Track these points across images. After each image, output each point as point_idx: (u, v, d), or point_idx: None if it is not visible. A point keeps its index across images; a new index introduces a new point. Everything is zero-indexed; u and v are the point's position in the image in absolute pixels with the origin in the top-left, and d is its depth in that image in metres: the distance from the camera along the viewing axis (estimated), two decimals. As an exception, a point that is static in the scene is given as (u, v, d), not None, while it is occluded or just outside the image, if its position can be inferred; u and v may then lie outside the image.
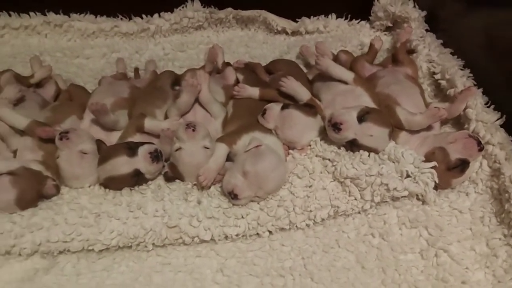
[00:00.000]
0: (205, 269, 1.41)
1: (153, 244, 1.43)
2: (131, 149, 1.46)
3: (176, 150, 1.49)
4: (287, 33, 2.40)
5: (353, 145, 1.52)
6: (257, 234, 1.47)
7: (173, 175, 1.54)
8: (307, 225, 1.48)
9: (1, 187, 1.37)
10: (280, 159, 1.48)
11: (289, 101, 1.73)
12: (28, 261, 1.41)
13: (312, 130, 1.62)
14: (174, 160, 1.51)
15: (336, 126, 1.48)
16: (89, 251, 1.42)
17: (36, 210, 1.43)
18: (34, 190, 1.42)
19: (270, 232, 1.47)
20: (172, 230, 1.42)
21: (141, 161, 1.46)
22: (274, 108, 1.61)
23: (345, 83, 1.72)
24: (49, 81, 1.99)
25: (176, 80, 1.98)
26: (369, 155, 1.50)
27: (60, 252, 1.41)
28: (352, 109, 1.52)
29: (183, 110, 1.62)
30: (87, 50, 2.28)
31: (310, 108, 1.61)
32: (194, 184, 1.54)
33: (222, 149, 1.53)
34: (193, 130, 1.46)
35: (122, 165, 1.45)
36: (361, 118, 1.49)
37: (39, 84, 1.99)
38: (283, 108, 1.61)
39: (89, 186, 1.53)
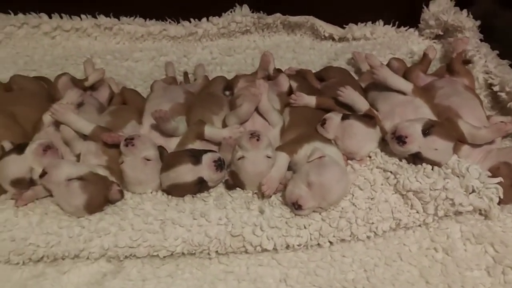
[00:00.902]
0: (268, 278, 1.42)
1: (216, 252, 1.44)
2: (195, 157, 1.47)
3: (239, 158, 1.50)
4: (333, 39, 2.40)
5: (416, 158, 1.51)
6: (318, 244, 1.47)
7: (234, 183, 1.55)
8: (368, 237, 1.48)
9: (72, 192, 1.40)
10: (344, 171, 1.48)
11: (345, 110, 1.73)
12: (95, 265, 1.44)
13: (372, 141, 1.61)
14: (236, 168, 1.52)
15: (401, 139, 1.48)
16: (152, 256, 1.44)
17: (102, 215, 1.46)
18: (102, 195, 1.45)
19: (330, 242, 1.47)
20: (235, 239, 1.43)
21: (205, 169, 1.47)
22: (334, 118, 1.61)
23: (403, 93, 1.70)
24: (102, 84, 2.01)
25: (228, 85, 1.99)
26: (432, 169, 1.49)
27: (126, 257, 1.43)
28: (415, 121, 1.51)
29: (244, 119, 1.63)
30: (136, 53, 2.31)
31: (370, 119, 1.61)
32: (255, 193, 1.54)
33: (283, 159, 1.54)
34: (258, 140, 1.47)
35: (186, 173, 1.46)
36: (426, 132, 1.48)
37: (92, 87, 2.02)
38: (343, 118, 1.61)
39: (151, 192, 1.54)
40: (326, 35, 2.35)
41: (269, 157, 1.50)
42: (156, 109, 1.63)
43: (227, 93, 2.02)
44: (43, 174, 1.40)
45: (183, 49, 2.33)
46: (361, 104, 1.68)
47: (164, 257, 1.44)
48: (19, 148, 1.47)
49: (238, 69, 2.26)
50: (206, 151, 1.51)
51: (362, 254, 1.46)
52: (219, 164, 1.48)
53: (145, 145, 1.51)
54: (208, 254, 1.45)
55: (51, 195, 1.50)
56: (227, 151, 1.56)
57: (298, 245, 1.44)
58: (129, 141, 1.48)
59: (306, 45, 2.38)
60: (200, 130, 1.60)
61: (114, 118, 1.70)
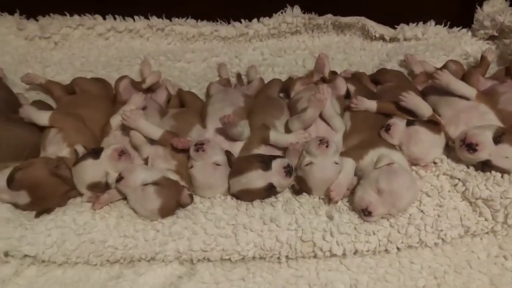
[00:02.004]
0: (339, 283, 1.45)
1: (286, 256, 1.47)
2: (265, 163, 1.50)
3: (307, 164, 1.52)
4: (384, 40, 2.38)
5: (484, 166, 1.51)
6: (386, 250, 1.48)
7: (300, 188, 1.57)
8: (435, 244, 1.49)
9: (148, 197, 1.44)
10: (413, 178, 1.49)
11: (407, 115, 1.73)
12: (168, 267, 1.49)
13: (438, 147, 1.61)
14: (304, 174, 1.54)
15: (471, 147, 1.48)
16: (224, 259, 1.48)
17: (175, 219, 1.50)
18: (175, 199, 1.49)
19: (398, 248, 1.49)
20: (306, 244, 1.46)
21: (275, 175, 1.49)
22: (399, 124, 1.62)
23: (466, 98, 1.69)
24: (160, 87, 2.04)
25: (283, 87, 2.01)
26: (502, 176, 1.49)
27: (198, 260, 1.47)
28: (485, 128, 1.51)
29: (308, 124, 1.64)
30: (188, 54, 2.34)
31: (435, 125, 1.61)
32: (321, 198, 1.56)
33: (350, 165, 1.55)
34: (327, 146, 1.48)
35: (257, 179, 1.49)
36: (497, 139, 1.47)
37: (150, 90, 2.05)
38: (408, 124, 1.61)
39: (220, 197, 1.57)
40: (377, 35, 2.34)
41: (337, 163, 1.51)
42: (219, 113, 1.67)
43: (281, 95, 2.04)
44: (120, 179, 1.44)
45: (234, 50, 2.35)
46: (425, 109, 1.67)
47: (235, 260, 1.47)
48: (95, 153, 1.51)
49: (289, 70, 2.27)
50: (275, 157, 1.54)
51: (430, 261, 1.48)
52: (289, 170, 1.51)
53: (215, 150, 1.54)
54: (278, 258, 1.47)
55: (123, 198, 1.54)
56: (293, 157, 1.58)
57: (367, 251, 1.46)
58: (200, 146, 1.52)
59: (357, 46, 2.37)
60: (265, 135, 1.63)
61: (178, 122, 1.74)
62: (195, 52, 2.34)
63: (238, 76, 2.22)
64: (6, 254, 1.45)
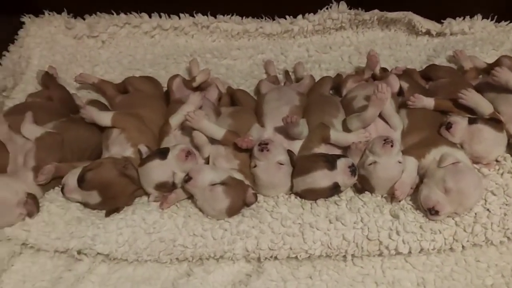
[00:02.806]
0: (406, 282, 1.46)
1: (352, 254, 1.48)
2: (330, 162, 1.51)
3: (370, 164, 1.52)
4: (430, 35, 2.36)
5: (550, 164, 1.50)
6: (450, 248, 1.49)
7: (363, 187, 1.58)
8: (501, 242, 1.49)
9: (216, 197, 1.46)
10: (479, 176, 1.49)
11: (465, 112, 1.72)
12: (235, 265, 1.52)
13: (501, 145, 1.61)
14: (367, 173, 1.55)
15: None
16: (289, 257, 1.50)
17: (241, 218, 1.52)
18: (241, 199, 1.51)
19: (463, 246, 1.49)
20: (372, 243, 1.47)
21: (340, 175, 1.51)
22: (461, 122, 1.61)
23: (526, 95, 1.68)
24: (211, 85, 2.06)
25: (334, 85, 2.01)
26: None
27: (265, 258, 1.49)
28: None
29: (368, 123, 1.65)
30: (233, 51, 2.35)
31: (497, 123, 1.60)
32: (383, 197, 1.57)
33: (413, 164, 1.56)
34: (391, 146, 1.49)
35: (322, 178, 1.50)
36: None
37: (200, 88, 2.07)
38: (470, 122, 1.61)
39: (283, 195, 1.59)
40: (423, 30, 2.32)
41: (400, 162, 1.52)
42: (276, 111, 1.70)
43: (331, 92, 2.04)
44: (188, 179, 1.47)
45: (280, 47, 2.35)
46: (485, 107, 1.67)
47: (302, 258, 1.49)
48: (162, 153, 1.54)
49: (335, 67, 2.26)
50: (339, 156, 1.55)
51: (497, 259, 1.48)
52: (353, 170, 1.52)
53: (278, 149, 1.55)
54: (344, 256, 1.49)
55: (189, 197, 1.57)
56: (356, 156, 1.59)
57: (432, 249, 1.47)
58: (264, 146, 1.53)
59: (402, 41, 2.36)
60: (325, 134, 1.64)
61: (236, 121, 1.75)
62: (241, 49, 2.35)
63: (286, 73, 2.22)
64: (79, 252, 1.49)
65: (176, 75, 1.97)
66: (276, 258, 1.49)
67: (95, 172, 1.50)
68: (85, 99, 2.10)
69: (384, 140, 1.51)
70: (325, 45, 2.36)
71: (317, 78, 2.10)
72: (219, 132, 1.61)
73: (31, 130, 1.62)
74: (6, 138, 1.62)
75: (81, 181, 1.50)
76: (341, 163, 1.52)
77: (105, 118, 1.69)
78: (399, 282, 1.46)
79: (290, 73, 2.24)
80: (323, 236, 1.47)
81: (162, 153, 1.54)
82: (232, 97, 2.04)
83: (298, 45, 2.36)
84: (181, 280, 1.47)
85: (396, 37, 2.39)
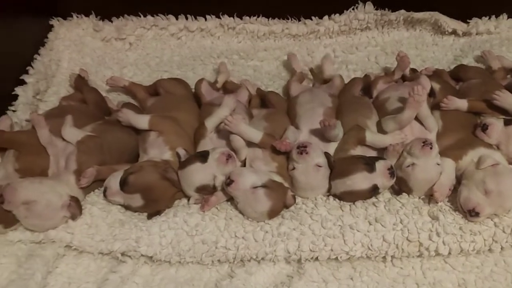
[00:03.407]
0: (447, 283, 1.48)
1: (391, 256, 1.50)
2: (369, 164, 1.53)
3: (408, 166, 1.54)
4: (455, 34, 2.36)
5: None
6: (489, 249, 1.51)
7: (400, 189, 1.60)
8: (540, 243, 1.51)
9: (258, 199, 1.48)
10: (519, 178, 1.50)
11: (498, 113, 1.73)
12: (276, 266, 1.54)
13: (537, 146, 1.62)
14: (405, 175, 1.56)
15: None
16: (329, 259, 1.52)
17: (281, 220, 1.54)
18: (282, 201, 1.53)
19: (501, 247, 1.51)
20: (412, 244, 1.49)
21: (379, 177, 1.52)
22: (497, 124, 1.63)
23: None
24: (241, 87, 2.07)
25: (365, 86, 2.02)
26: None
27: (306, 259, 1.51)
28: None
29: (405, 125, 1.66)
30: (260, 52, 2.36)
31: (533, 124, 1.61)
32: (421, 198, 1.58)
33: (451, 165, 1.58)
34: (431, 148, 1.51)
35: (362, 180, 1.52)
36: None
37: (229, 90, 2.08)
38: (506, 123, 1.62)
39: (321, 197, 1.61)
40: (450, 30, 2.32)
41: (438, 164, 1.54)
42: (310, 113, 1.73)
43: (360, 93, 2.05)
44: (230, 182, 1.49)
45: (306, 48, 2.36)
46: (520, 108, 1.68)
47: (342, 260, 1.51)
48: (202, 157, 1.55)
49: (362, 67, 2.27)
50: (377, 158, 1.56)
51: (536, 260, 1.49)
52: (392, 172, 1.53)
53: (317, 152, 1.57)
54: (383, 257, 1.51)
55: (228, 200, 1.59)
56: (393, 158, 1.61)
57: (472, 250, 1.49)
58: (303, 149, 1.55)
59: (428, 41, 2.36)
60: (361, 136, 1.65)
61: (270, 123, 1.76)
62: (267, 50, 2.36)
63: (311, 71, 2.22)
64: (123, 254, 1.51)
65: (202, 79, 2.00)
66: (316, 259, 1.51)
67: (137, 175, 1.52)
68: (116, 101, 2.12)
69: (423, 142, 1.52)
70: (351, 46, 2.37)
71: (344, 79, 2.10)
72: (256, 135, 1.63)
73: (72, 133, 1.64)
74: (47, 142, 1.64)
75: (123, 184, 1.52)
76: (380, 165, 1.53)
77: (142, 121, 1.71)
78: (440, 283, 1.47)
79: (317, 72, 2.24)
80: (364, 238, 1.49)
81: (203, 157, 1.55)
82: (263, 99, 2.05)
83: (324, 46, 2.37)
84: (224, 282, 1.49)
85: (422, 37, 2.40)
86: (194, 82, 2.10)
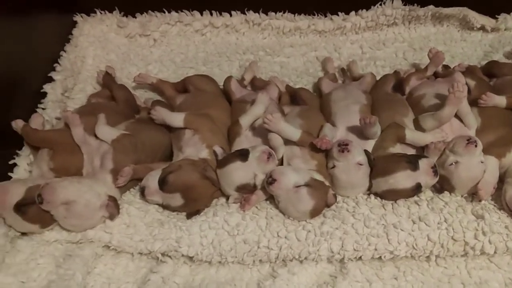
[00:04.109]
0: (493, 282, 1.46)
1: (436, 255, 1.48)
2: (412, 163, 1.50)
3: (451, 164, 1.52)
4: (484, 30, 2.33)
5: None
6: (533, 248, 1.49)
7: (442, 187, 1.57)
8: None
9: (301, 198, 1.46)
10: None
11: (536, 110, 1.71)
12: (318, 266, 1.51)
13: None
14: (447, 173, 1.54)
15: None
16: (372, 258, 1.50)
17: (323, 219, 1.52)
18: (324, 200, 1.51)
19: (546, 246, 1.49)
20: (457, 244, 1.47)
21: (422, 175, 1.50)
22: (538, 121, 1.60)
23: None
24: (270, 84, 2.04)
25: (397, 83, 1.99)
26: None
27: (348, 259, 1.49)
28: None
29: (444, 122, 1.63)
30: (286, 48, 2.33)
31: None
32: (463, 197, 1.56)
33: (494, 163, 1.56)
34: (476, 146, 1.48)
35: (405, 179, 1.50)
36: None
37: (258, 87, 2.06)
38: (549, 120, 1.59)
39: (361, 196, 1.58)
40: (478, 26, 2.29)
41: (482, 162, 1.51)
42: (346, 111, 1.72)
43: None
44: (272, 181, 1.46)
45: (332, 44, 2.33)
46: (559, 104, 1.65)
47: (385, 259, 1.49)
48: (242, 155, 1.53)
49: (391, 64, 2.24)
50: (419, 157, 1.54)
51: None
52: (436, 170, 1.51)
53: (358, 150, 1.54)
54: (427, 257, 1.49)
55: (267, 199, 1.57)
56: (434, 155, 1.58)
57: (518, 249, 1.46)
58: (344, 146, 1.52)
59: (456, 37, 2.34)
60: (400, 134, 1.63)
61: (306, 121, 1.74)
62: (294, 46, 2.33)
63: (343, 71, 2.20)
64: (163, 254, 1.49)
65: (230, 76, 1.97)
66: (359, 258, 1.48)
67: (177, 174, 1.50)
68: (142, 98, 2.09)
69: (468, 140, 1.50)
70: (378, 42, 2.35)
71: (373, 76, 2.08)
72: (295, 133, 1.60)
73: (107, 132, 1.61)
74: (81, 140, 1.62)
75: (163, 184, 1.49)
76: (424, 163, 1.51)
77: (176, 119, 1.68)
78: (487, 283, 1.45)
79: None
80: (408, 237, 1.47)
81: (243, 155, 1.53)
82: (292, 96, 2.02)
83: (350, 42, 2.34)
84: (267, 282, 1.46)
85: (449, 32, 2.37)
86: (220, 78, 2.08)
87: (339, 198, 1.58)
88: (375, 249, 1.47)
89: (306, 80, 2.20)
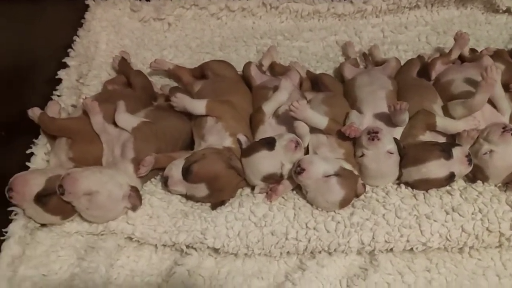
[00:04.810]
0: (529, 274, 1.41)
1: (469, 247, 1.44)
2: (445, 151, 1.45)
3: (485, 153, 1.47)
4: (509, 13, 2.26)
5: None
6: None
7: (475, 176, 1.52)
8: None
9: (331, 188, 1.41)
10: None
11: None
12: (347, 258, 1.47)
13: None
14: (481, 162, 1.49)
15: None
16: (403, 250, 1.45)
17: (352, 209, 1.47)
18: (353, 189, 1.46)
19: None
20: (492, 235, 1.42)
21: (456, 164, 1.45)
22: None
23: None
24: (290, 70, 1.97)
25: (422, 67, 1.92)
26: None
27: (379, 251, 1.44)
28: None
29: (476, 110, 1.57)
30: (305, 33, 2.26)
31: None
32: (497, 186, 1.51)
33: (531, 152, 1.49)
34: (512, 134, 1.43)
35: (439, 168, 1.44)
36: None
37: (278, 73, 1.99)
38: None
39: (391, 185, 1.53)
40: (504, 8, 2.21)
41: (518, 151, 1.46)
42: (372, 97, 1.67)
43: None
44: (301, 171, 1.41)
45: (353, 27, 2.26)
46: None
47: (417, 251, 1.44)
48: (269, 144, 1.47)
49: (413, 48, 2.17)
50: (453, 145, 1.49)
51: None
52: (470, 159, 1.46)
53: (388, 138, 1.49)
54: (460, 248, 1.44)
55: (293, 189, 1.52)
56: (467, 144, 1.53)
57: (554, 241, 1.42)
58: (374, 134, 1.47)
59: (481, 20, 2.26)
60: (430, 121, 1.57)
61: (331, 108, 1.67)
62: (313, 30, 2.26)
63: (364, 55, 2.13)
64: (188, 247, 1.45)
65: (249, 62, 1.90)
66: (390, 250, 1.44)
67: (201, 164, 1.45)
68: (159, 85, 2.03)
69: (503, 128, 1.44)
70: (400, 25, 2.27)
71: (395, 60, 2.01)
72: (322, 121, 1.55)
73: (127, 120, 1.55)
74: (100, 129, 1.56)
75: (187, 174, 1.44)
76: (458, 152, 1.45)
77: (198, 106, 1.62)
78: (521, 275, 1.41)
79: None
80: (441, 228, 1.42)
81: (269, 144, 1.47)
82: (314, 82, 1.96)
83: (372, 25, 2.26)
84: (295, 275, 1.42)
85: (473, 15, 2.30)
86: (237, 64, 2.02)
87: (368, 187, 1.53)
88: (407, 241, 1.42)
89: (327, 65, 2.13)
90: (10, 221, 1.45)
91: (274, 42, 2.21)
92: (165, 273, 1.45)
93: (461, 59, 1.96)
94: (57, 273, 1.43)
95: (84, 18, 2.15)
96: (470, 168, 1.47)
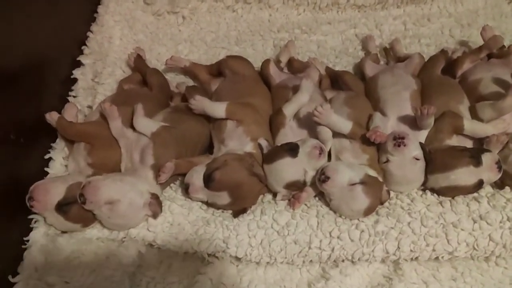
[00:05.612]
0: (558, 284, 1.38)
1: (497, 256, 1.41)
2: (475, 158, 1.40)
3: (516, 158, 1.42)
4: (535, 2, 2.17)
5: None
6: None
7: (503, 183, 1.48)
8: None
9: (356, 197, 1.38)
10: None
11: None
12: (370, 267, 1.45)
13: None
14: (510, 168, 1.44)
15: None
16: (429, 259, 1.43)
17: (376, 217, 1.44)
18: (378, 197, 1.42)
19: None
20: (521, 243, 1.38)
21: (486, 171, 1.41)
22: None
23: None
24: (309, 67, 1.92)
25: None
26: None
27: (404, 260, 1.42)
28: None
29: (506, 112, 1.51)
30: (323, 25, 2.19)
31: None
32: (522, 192, 1.47)
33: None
34: (544, 140, 1.37)
35: (468, 175, 1.40)
36: None
37: (296, 70, 1.94)
38: None
39: (415, 191, 1.50)
40: (529, -2, 2.13)
41: (549, 156, 1.41)
42: (397, 98, 1.61)
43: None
44: (326, 179, 1.38)
45: (373, 20, 2.19)
46: None
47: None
48: (292, 150, 1.44)
49: (436, 42, 2.10)
50: (482, 151, 1.44)
51: None
52: (500, 166, 1.41)
53: (414, 144, 1.45)
54: (486, 257, 1.41)
55: (315, 196, 1.49)
56: (495, 149, 1.48)
57: None
58: (400, 140, 1.42)
59: (507, 12, 2.18)
60: (458, 124, 1.52)
61: (353, 109, 1.62)
62: (331, 23, 2.19)
63: (385, 50, 2.06)
64: (209, 255, 1.43)
65: (268, 60, 1.84)
66: (416, 259, 1.41)
67: (223, 171, 1.41)
68: (174, 82, 1.99)
69: (533, 133, 1.39)
70: (422, 17, 2.19)
71: (417, 55, 1.94)
72: (346, 125, 1.50)
73: (146, 125, 1.52)
74: (119, 134, 1.53)
75: (208, 181, 1.42)
76: (487, 158, 1.41)
77: (218, 109, 1.58)
78: (550, 284, 1.38)
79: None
80: (469, 237, 1.39)
81: (292, 150, 1.44)
82: (333, 79, 1.90)
83: (393, 17, 2.19)
84: (319, 284, 1.41)
85: (498, 6, 2.22)
86: (254, 59, 1.98)
87: (392, 193, 1.50)
88: (433, 250, 1.40)
89: (346, 60, 2.07)
90: (31, 229, 1.43)
91: (291, 36, 2.15)
92: (187, 281, 1.44)
93: (488, 54, 1.89)
94: (78, 281, 1.41)
95: (97, 12, 2.08)
96: (500, 175, 1.43)
